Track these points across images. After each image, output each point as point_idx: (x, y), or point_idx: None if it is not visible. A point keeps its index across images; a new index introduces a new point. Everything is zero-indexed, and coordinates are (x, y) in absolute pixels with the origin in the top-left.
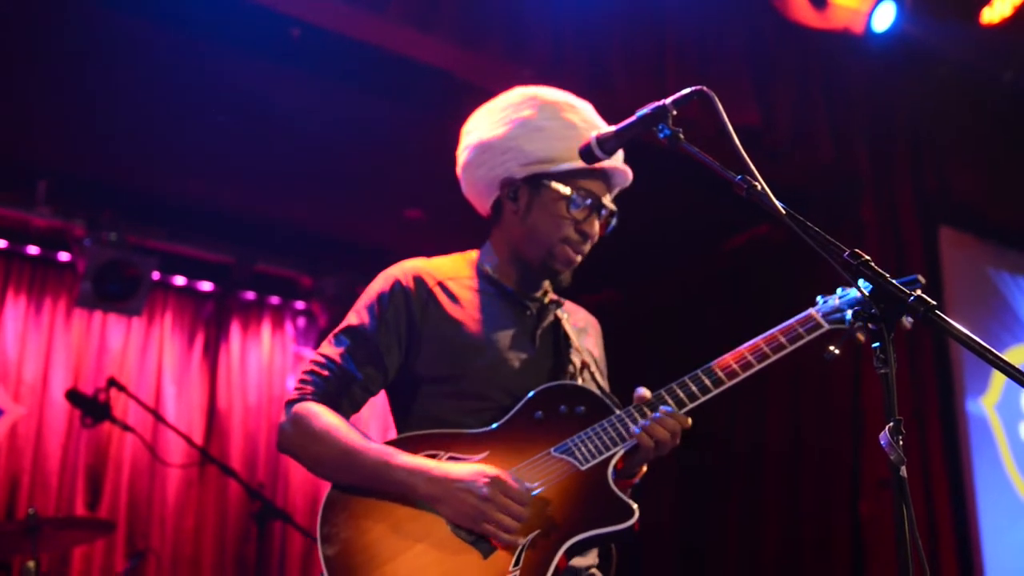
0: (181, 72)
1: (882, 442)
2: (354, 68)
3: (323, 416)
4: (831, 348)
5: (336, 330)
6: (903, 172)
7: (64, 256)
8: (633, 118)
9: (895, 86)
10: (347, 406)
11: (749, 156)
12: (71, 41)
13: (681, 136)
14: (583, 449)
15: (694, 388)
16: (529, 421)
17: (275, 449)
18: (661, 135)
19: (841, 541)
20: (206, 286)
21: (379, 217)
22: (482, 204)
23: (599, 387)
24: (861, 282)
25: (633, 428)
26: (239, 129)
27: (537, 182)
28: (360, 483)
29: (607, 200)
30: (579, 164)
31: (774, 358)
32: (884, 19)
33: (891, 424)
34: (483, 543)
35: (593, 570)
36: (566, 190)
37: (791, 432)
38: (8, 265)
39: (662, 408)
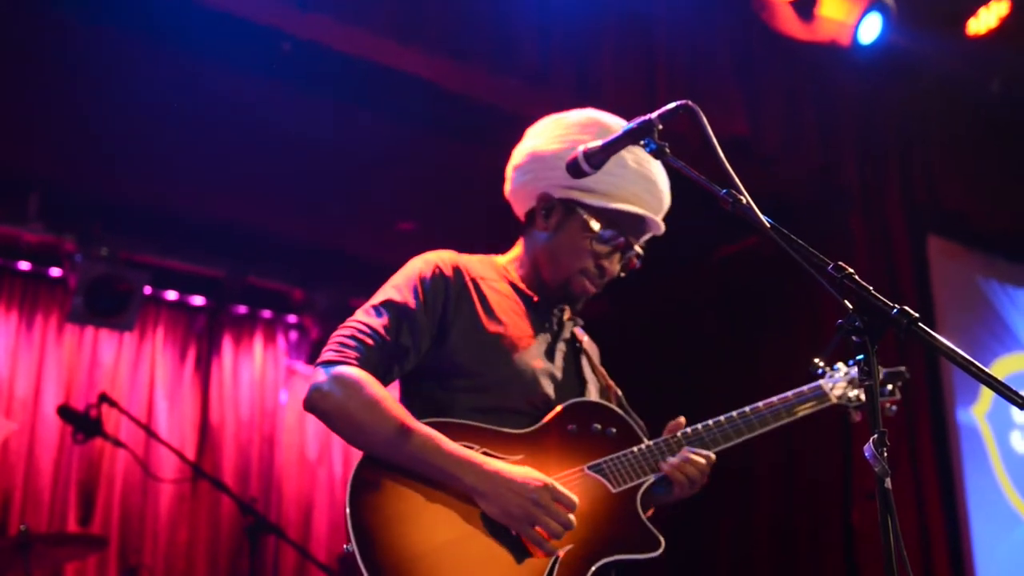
0: (172, 87)
1: (866, 454)
2: (344, 81)
3: (373, 385)
4: (816, 361)
5: (375, 302)
6: (892, 182)
7: (55, 271)
8: (620, 133)
9: (883, 97)
10: (386, 379)
11: (738, 166)
12: (63, 56)
13: (667, 150)
14: (616, 472)
15: (728, 429)
16: (563, 432)
17: (268, 463)
18: (647, 149)
19: (833, 551)
20: (198, 300)
21: (371, 230)
22: (519, 207)
23: (626, 411)
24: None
25: (663, 463)
26: (230, 143)
27: (572, 207)
28: (402, 461)
29: (637, 246)
30: (617, 205)
31: (786, 419)
32: (871, 31)
33: (875, 436)
34: (518, 547)
35: None
36: (596, 225)
37: (783, 441)
38: None
39: (689, 449)
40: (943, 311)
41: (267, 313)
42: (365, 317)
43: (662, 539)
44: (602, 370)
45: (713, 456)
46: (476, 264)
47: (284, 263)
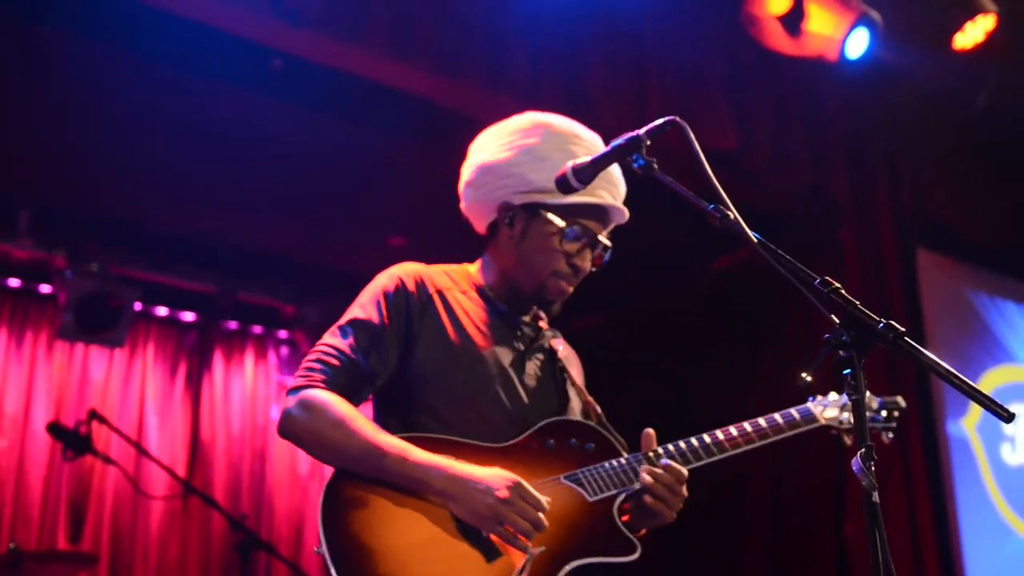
0: (162, 103)
1: (854, 468)
2: (335, 97)
3: (339, 405)
4: (804, 376)
5: (340, 322)
6: (881, 195)
7: (45, 288)
8: (608, 149)
9: (871, 111)
10: (356, 398)
11: (728, 180)
12: (51, 72)
13: (655, 166)
14: (592, 481)
15: (699, 447)
16: (540, 446)
17: (259, 479)
18: (635, 165)
19: (826, 563)
20: (188, 316)
21: (362, 245)
22: (479, 223)
23: (605, 427)
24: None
25: (640, 474)
26: (221, 158)
27: (534, 211)
28: (374, 475)
29: (602, 237)
30: (578, 199)
31: (774, 438)
32: (858, 46)
33: (863, 450)
34: (490, 549)
35: None
36: (561, 223)
37: (775, 452)
38: None
39: (663, 463)
40: (933, 324)
41: (258, 329)
42: (331, 339)
43: (639, 544)
44: (580, 385)
45: (685, 472)
46: (443, 275)
47: (275, 279)
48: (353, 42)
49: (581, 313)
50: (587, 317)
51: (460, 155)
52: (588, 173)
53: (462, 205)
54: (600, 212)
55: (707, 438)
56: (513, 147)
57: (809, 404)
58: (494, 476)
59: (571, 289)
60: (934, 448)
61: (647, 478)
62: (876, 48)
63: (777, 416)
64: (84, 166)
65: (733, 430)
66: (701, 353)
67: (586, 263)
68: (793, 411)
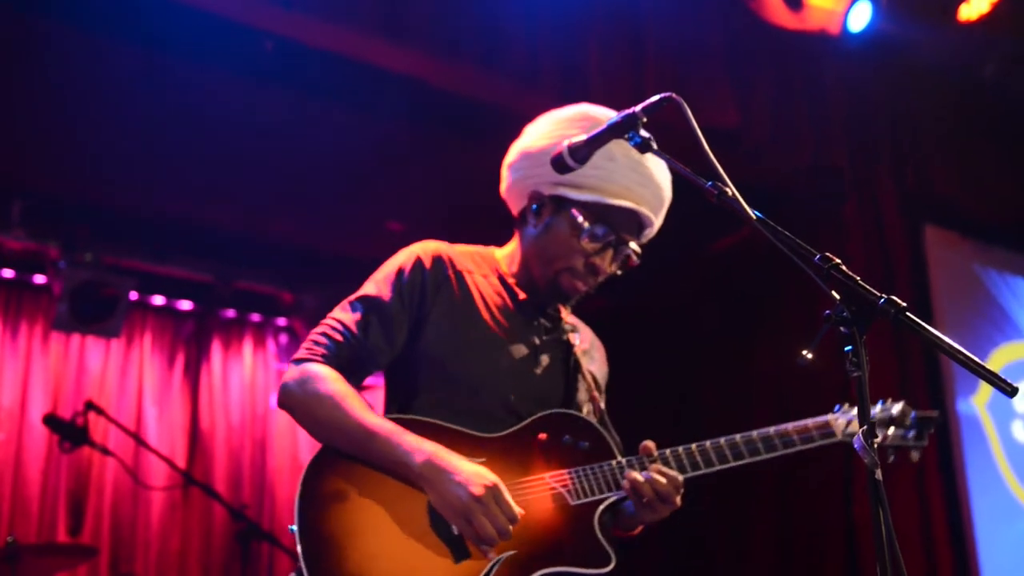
0: (154, 89)
1: (855, 445)
2: (330, 80)
3: (332, 381)
4: (804, 353)
5: (352, 297)
6: (885, 171)
7: (40, 279)
8: (604, 127)
9: (874, 85)
10: (356, 376)
11: (728, 158)
12: (43, 60)
13: (653, 144)
14: (578, 485)
15: (698, 456)
16: (532, 440)
17: (260, 468)
18: (632, 143)
19: (834, 544)
20: (185, 305)
21: (360, 230)
22: (514, 206)
23: (604, 424)
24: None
25: (624, 480)
26: (214, 145)
27: (562, 204)
28: (358, 453)
29: (632, 242)
30: (607, 200)
31: (783, 451)
32: (860, 19)
33: (864, 427)
34: (459, 546)
35: None
36: (584, 221)
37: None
38: None
39: (656, 467)
40: (941, 301)
41: (256, 317)
42: (340, 313)
43: (613, 556)
44: (593, 370)
45: (680, 479)
46: (467, 256)
47: (272, 266)
48: (346, 24)
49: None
50: (587, 301)
51: (458, 137)
52: (584, 152)
53: (501, 186)
54: (631, 217)
55: (709, 447)
56: (555, 136)
57: (828, 417)
58: (475, 473)
59: (585, 288)
60: (944, 427)
61: (631, 485)
62: (879, 21)
63: (790, 428)
64: (76, 155)
65: (738, 438)
66: (702, 335)
67: (606, 264)
68: (809, 424)
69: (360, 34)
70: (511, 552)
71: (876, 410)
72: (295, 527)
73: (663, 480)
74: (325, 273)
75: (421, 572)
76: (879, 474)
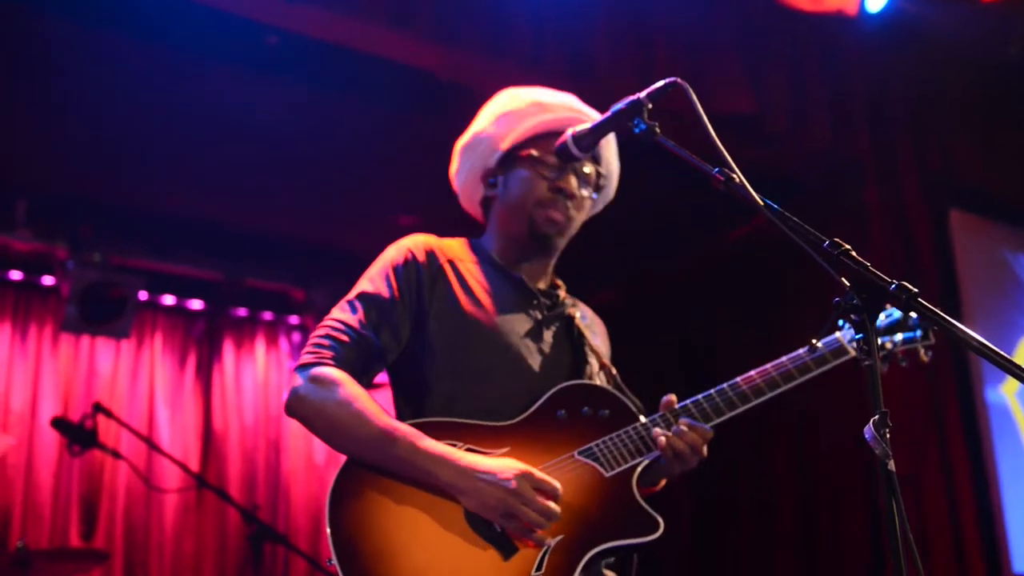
0: (160, 87)
1: (866, 436)
2: (335, 73)
3: (347, 385)
4: (814, 342)
5: (348, 296)
6: (907, 155)
7: (48, 280)
8: (608, 114)
9: (894, 66)
10: (366, 376)
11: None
12: (47, 58)
13: (657, 130)
14: (608, 455)
15: (720, 402)
16: (551, 419)
17: (274, 469)
18: (636, 130)
19: (858, 535)
20: (196, 304)
21: (372, 225)
22: (475, 207)
23: (620, 389)
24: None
25: (659, 439)
26: (222, 141)
27: (508, 161)
28: (379, 461)
29: (587, 163)
30: (537, 129)
31: (800, 379)
32: None
33: (876, 417)
34: (505, 543)
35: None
36: (530, 153)
37: (804, 424)
38: None
39: (684, 420)
40: (968, 287)
41: (268, 315)
42: (339, 314)
43: (660, 521)
44: (599, 348)
45: (710, 431)
46: (455, 246)
47: (283, 263)
48: (349, 14)
49: (597, 287)
50: (603, 291)
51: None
52: (589, 140)
53: (461, 202)
54: (559, 132)
55: (728, 390)
56: (482, 118)
57: (837, 335)
58: (502, 466)
59: (560, 217)
60: (972, 416)
61: (665, 446)
62: (898, 0)
63: (802, 352)
64: (81, 153)
65: (755, 375)
66: (720, 324)
67: (571, 184)
68: (819, 344)
69: (363, 24)
70: (559, 537)
71: (881, 318)
72: (334, 559)
73: (693, 434)
74: (337, 269)
75: None
76: (892, 465)
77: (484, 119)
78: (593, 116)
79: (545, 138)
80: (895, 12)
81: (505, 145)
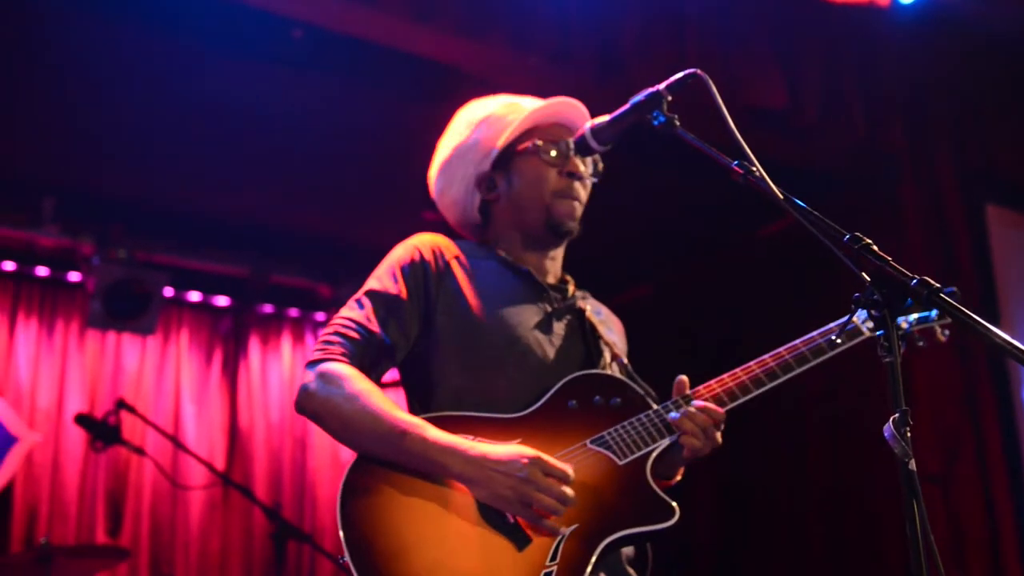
0: (185, 82)
1: (886, 434)
2: (359, 67)
3: (357, 380)
4: (835, 339)
5: (357, 295)
6: (943, 149)
7: (74, 276)
8: (627, 106)
9: (929, 59)
10: (375, 372)
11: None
12: (73, 55)
13: (676, 123)
14: (621, 443)
15: (733, 386)
16: (562, 410)
17: (300, 467)
18: (656, 123)
19: (890, 537)
20: (222, 301)
21: (397, 220)
22: (469, 218)
23: (633, 379)
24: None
25: (680, 416)
26: (247, 136)
27: (506, 161)
28: (390, 455)
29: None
30: (528, 123)
31: (814, 361)
32: None
33: (896, 416)
34: (518, 533)
35: (628, 568)
36: (531, 145)
37: (833, 422)
38: (17, 288)
39: (696, 403)
40: (1006, 285)
41: (294, 311)
42: (348, 312)
43: (676, 508)
44: (611, 339)
45: (722, 413)
46: (462, 244)
47: (310, 259)
48: (375, 8)
49: (627, 285)
50: (634, 289)
51: None
52: (608, 133)
53: (449, 219)
54: (559, 119)
55: (741, 373)
56: (456, 133)
57: (854, 316)
58: (512, 453)
59: (577, 204)
60: (1010, 416)
61: (678, 421)
62: None
63: (815, 335)
64: (108, 149)
65: (768, 358)
66: (751, 321)
67: (578, 167)
68: (833, 326)
69: (388, 17)
70: (573, 526)
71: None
72: (346, 556)
73: (703, 415)
74: (363, 265)
75: (486, 571)
76: (912, 464)
77: (459, 134)
78: (577, 105)
79: (540, 129)
80: (929, 3)
81: (500, 143)
